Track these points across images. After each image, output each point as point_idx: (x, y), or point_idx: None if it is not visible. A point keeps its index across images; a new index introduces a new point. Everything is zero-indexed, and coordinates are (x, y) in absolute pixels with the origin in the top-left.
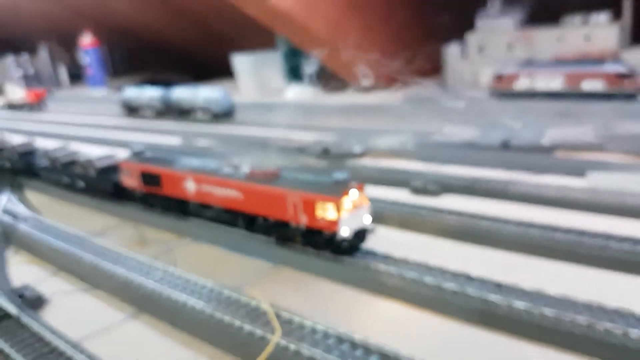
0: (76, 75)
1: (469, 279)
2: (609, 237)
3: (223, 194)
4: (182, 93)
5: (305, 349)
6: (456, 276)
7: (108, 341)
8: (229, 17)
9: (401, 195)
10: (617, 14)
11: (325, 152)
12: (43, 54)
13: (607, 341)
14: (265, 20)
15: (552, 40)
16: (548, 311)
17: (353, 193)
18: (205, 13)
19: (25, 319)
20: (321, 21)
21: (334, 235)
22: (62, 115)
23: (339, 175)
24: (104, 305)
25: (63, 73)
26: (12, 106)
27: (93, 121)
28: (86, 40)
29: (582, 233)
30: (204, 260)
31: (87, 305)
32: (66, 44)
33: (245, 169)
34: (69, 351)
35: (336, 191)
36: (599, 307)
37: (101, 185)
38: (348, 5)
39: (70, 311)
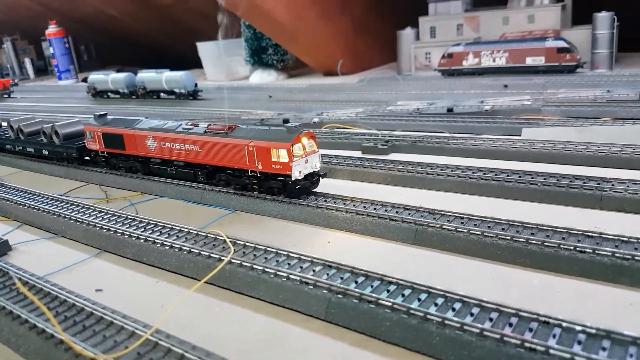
0: (42, 70)
1: (405, 208)
2: (536, 174)
3: (183, 149)
4: (146, 75)
5: (258, 264)
6: (395, 207)
7: (72, 277)
8: (195, 9)
9: (353, 154)
10: None
11: (285, 122)
12: (7, 47)
13: (528, 249)
14: (229, 7)
15: (498, 21)
16: (475, 229)
17: (304, 140)
18: (172, 6)
19: None
20: (284, 9)
21: (287, 178)
22: (28, 102)
23: (292, 124)
24: (67, 248)
25: (28, 66)
26: None
27: (59, 105)
28: (51, 30)
29: (512, 173)
30: (166, 211)
31: (51, 250)
32: (32, 38)
33: (204, 125)
34: (32, 282)
35: (288, 138)
36: (521, 224)
37: (67, 151)
38: None
39: (35, 255)
